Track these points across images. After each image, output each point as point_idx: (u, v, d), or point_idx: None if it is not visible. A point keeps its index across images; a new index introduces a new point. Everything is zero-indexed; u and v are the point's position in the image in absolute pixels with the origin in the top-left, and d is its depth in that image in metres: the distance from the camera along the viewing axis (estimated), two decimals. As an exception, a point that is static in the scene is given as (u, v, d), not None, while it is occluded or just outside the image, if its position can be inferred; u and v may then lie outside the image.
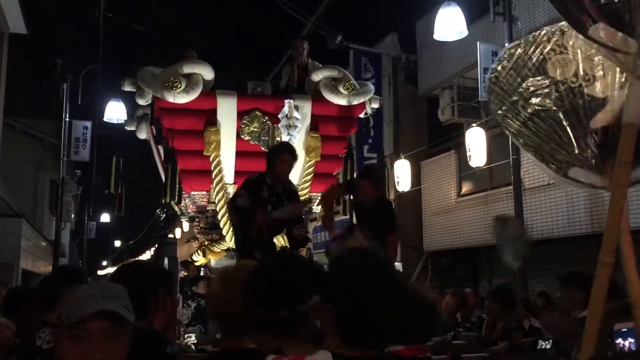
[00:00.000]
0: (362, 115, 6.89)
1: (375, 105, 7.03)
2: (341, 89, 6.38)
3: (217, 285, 2.09)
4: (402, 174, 11.95)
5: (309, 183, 6.39)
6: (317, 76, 6.48)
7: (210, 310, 2.05)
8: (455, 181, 12.56)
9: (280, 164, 4.88)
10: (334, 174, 6.89)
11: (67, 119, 12.78)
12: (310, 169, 6.38)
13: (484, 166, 10.02)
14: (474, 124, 10.15)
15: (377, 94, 7.38)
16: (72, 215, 18.55)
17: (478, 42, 9.46)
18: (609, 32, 1.78)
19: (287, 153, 4.94)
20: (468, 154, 9.81)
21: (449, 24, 8.43)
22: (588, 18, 1.80)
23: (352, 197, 5.26)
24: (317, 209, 7.06)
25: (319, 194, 6.80)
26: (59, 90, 12.61)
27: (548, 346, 2.60)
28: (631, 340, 2.01)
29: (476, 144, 9.73)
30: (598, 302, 1.92)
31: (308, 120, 6.33)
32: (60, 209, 13.14)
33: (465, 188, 12.45)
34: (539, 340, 2.77)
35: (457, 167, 12.48)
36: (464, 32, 8.47)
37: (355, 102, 6.45)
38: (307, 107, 6.32)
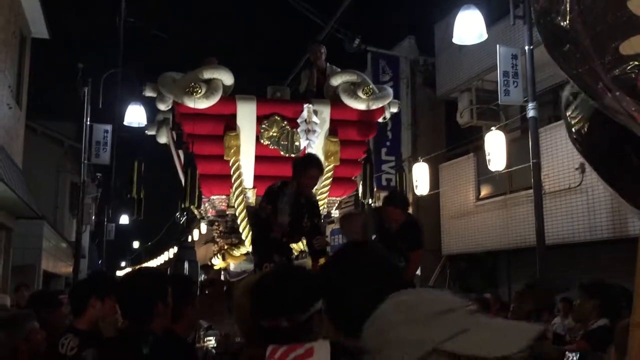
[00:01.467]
0: (380, 120, 6.88)
1: (394, 110, 7.02)
2: (360, 94, 6.36)
3: (240, 294, 2.12)
4: (420, 177, 11.91)
5: (327, 187, 6.39)
6: (336, 81, 6.47)
7: (235, 318, 2.10)
8: (474, 185, 12.48)
9: (308, 179, 4.91)
10: (353, 178, 6.89)
11: (88, 123, 12.93)
12: (329, 174, 6.37)
13: (503, 170, 9.94)
14: (493, 127, 10.08)
15: (395, 97, 7.36)
16: (93, 217, 18.74)
17: (498, 45, 9.40)
18: (625, 100, 1.80)
19: (316, 168, 4.96)
20: (487, 157, 9.74)
21: (469, 27, 8.39)
22: (605, 88, 1.83)
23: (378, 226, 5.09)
24: (335, 213, 7.07)
25: (338, 198, 6.82)
26: (80, 93, 12.77)
27: (575, 358, 2.56)
28: None
29: (495, 147, 9.65)
30: None
31: (327, 125, 6.32)
32: (82, 212, 13.30)
33: (484, 191, 12.37)
34: (566, 352, 2.73)
35: (475, 171, 12.40)
36: (484, 36, 8.42)
37: (374, 107, 6.43)
38: (326, 111, 6.31)
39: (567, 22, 1.85)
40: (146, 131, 7.83)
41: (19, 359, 2.92)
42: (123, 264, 44.30)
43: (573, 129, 2.36)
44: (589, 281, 3.72)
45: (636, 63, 1.75)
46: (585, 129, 2.33)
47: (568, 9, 1.85)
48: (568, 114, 2.37)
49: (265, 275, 1.83)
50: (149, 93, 6.33)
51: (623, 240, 8.90)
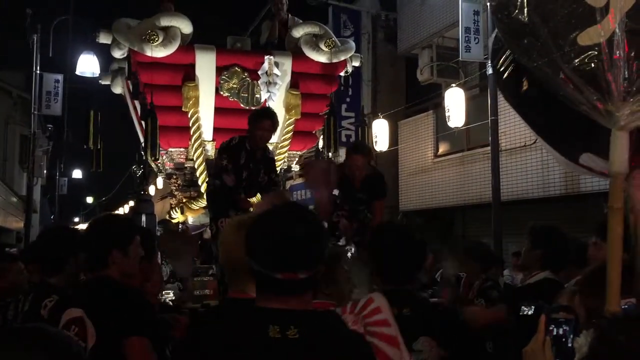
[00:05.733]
0: (342, 74, 6.81)
1: (356, 64, 6.95)
2: (322, 46, 6.28)
3: (230, 232, 2.03)
4: (380, 133, 11.91)
5: (288, 141, 6.34)
6: (298, 32, 6.35)
7: (222, 256, 2.08)
8: (433, 141, 12.59)
9: (260, 130, 4.77)
10: (314, 132, 6.84)
11: (38, 72, 12.40)
12: (290, 127, 6.32)
13: (462, 126, 10.04)
14: (453, 84, 10.12)
15: (356, 52, 7.28)
16: (44, 171, 18.24)
17: (460, 1, 9.36)
18: (586, 89, 1.85)
19: (267, 120, 4.80)
20: (447, 114, 9.80)
21: (431, -18, 8.30)
22: (566, 78, 1.87)
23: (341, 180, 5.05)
24: (295, 167, 7.03)
25: (298, 152, 6.77)
26: (29, 41, 12.20)
27: (530, 312, 2.57)
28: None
29: (455, 104, 9.71)
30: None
31: (288, 78, 6.23)
32: (32, 164, 12.88)
33: (442, 148, 12.50)
34: (522, 307, 2.72)
35: (434, 128, 12.49)
36: (446, -9, 8.36)
37: (336, 60, 6.36)
38: (287, 63, 6.21)
39: (525, 15, 1.91)
40: (100, 80, 7.57)
41: None
42: (76, 219, 43.45)
43: (503, 78, 2.39)
44: (538, 227, 3.53)
45: (594, 53, 1.80)
46: (513, 79, 2.33)
47: (525, 2, 1.91)
48: (496, 63, 2.37)
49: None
50: (103, 39, 6.08)
51: (574, 197, 9.17)
